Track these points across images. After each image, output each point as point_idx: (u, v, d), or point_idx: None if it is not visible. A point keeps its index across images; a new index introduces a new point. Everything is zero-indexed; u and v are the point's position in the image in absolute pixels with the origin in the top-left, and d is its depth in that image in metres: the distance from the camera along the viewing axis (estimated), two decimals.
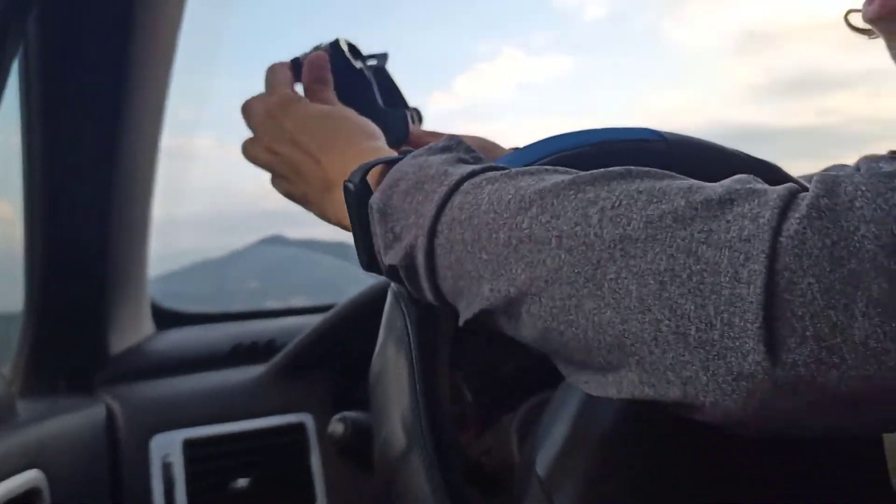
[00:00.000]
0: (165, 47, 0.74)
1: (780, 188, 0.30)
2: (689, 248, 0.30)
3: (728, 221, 0.30)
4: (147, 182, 0.85)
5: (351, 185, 0.46)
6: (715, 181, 0.60)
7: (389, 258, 0.42)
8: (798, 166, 0.59)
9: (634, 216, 0.33)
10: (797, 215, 0.28)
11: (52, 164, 0.74)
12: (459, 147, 0.46)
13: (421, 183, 0.42)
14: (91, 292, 0.87)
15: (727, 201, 0.31)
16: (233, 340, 1.00)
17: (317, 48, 0.60)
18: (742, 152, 0.60)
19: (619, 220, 0.33)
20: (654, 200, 0.33)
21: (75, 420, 0.79)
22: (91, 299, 0.88)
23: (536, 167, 0.41)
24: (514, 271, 0.36)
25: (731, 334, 0.28)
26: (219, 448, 0.84)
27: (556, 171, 0.41)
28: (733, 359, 0.28)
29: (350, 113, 0.54)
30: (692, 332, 0.29)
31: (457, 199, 0.39)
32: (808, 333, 0.27)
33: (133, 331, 0.98)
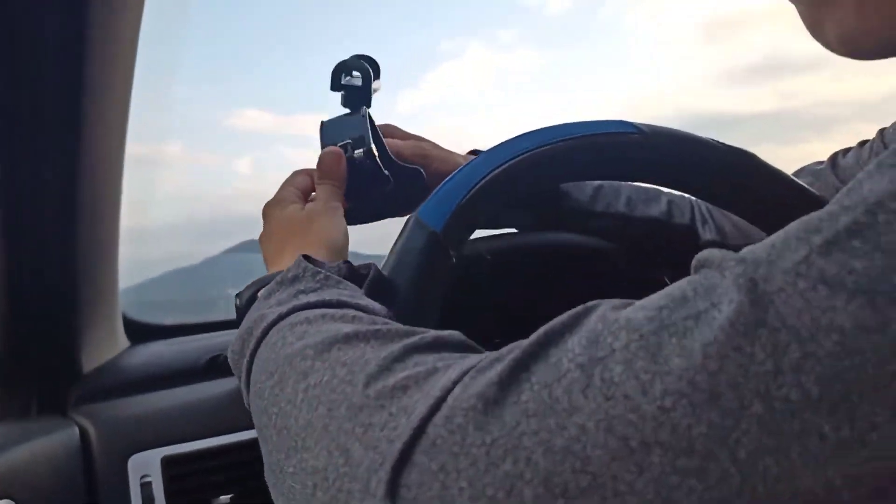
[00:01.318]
0: (125, 51, 0.71)
1: (461, 366, 0.28)
2: (345, 445, 0.28)
3: (391, 414, 0.28)
4: (113, 193, 0.82)
5: (237, 301, 0.51)
6: (691, 170, 0.60)
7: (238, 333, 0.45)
8: (763, 150, 0.59)
9: (323, 400, 0.31)
10: (444, 414, 0.26)
11: (10, 177, 0.71)
12: (306, 276, 0.45)
13: (250, 329, 0.42)
14: (60, 309, 0.84)
15: (400, 388, 0.29)
16: (209, 352, 0.98)
17: (343, 144, 0.62)
18: (717, 141, 0.60)
19: (312, 400, 0.31)
20: (345, 382, 0.31)
21: (47, 444, 0.76)
22: (60, 317, 0.85)
23: (342, 312, 0.40)
24: (263, 434, 0.35)
25: None
26: (199, 465, 0.82)
27: (341, 320, 0.38)
28: None
29: (319, 222, 0.56)
30: None
31: (261, 350, 0.39)
32: None
33: (106, 347, 0.95)
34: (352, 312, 0.39)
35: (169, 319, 1.15)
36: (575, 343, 0.27)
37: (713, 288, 0.25)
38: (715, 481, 0.23)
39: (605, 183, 0.73)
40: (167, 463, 0.80)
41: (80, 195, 0.76)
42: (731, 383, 0.23)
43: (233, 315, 1.22)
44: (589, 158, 0.58)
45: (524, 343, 0.28)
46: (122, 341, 1.01)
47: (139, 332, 1.05)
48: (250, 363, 0.40)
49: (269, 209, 0.60)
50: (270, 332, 0.40)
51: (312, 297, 0.42)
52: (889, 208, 0.23)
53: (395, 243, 0.54)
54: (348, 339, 0.34)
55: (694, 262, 0.28)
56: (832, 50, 0.37)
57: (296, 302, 0.42)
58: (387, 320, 0.40)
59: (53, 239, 0.78)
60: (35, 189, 0.73)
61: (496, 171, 0.55)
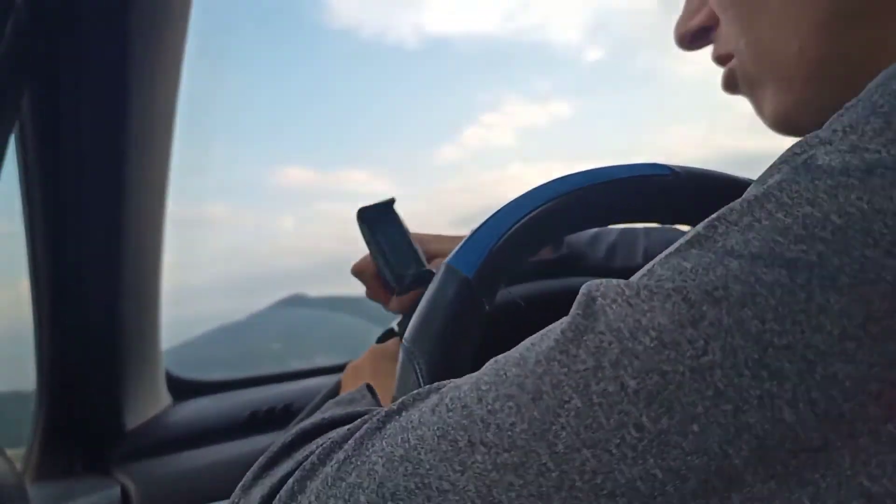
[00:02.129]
0: (165, 113, 0.73)
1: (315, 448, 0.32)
2: None
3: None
4: (155, 251, 0.84)
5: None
6: None
7: None
8: None
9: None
10: (327, 442, 0.30)
11: (56, 240, 0.73)
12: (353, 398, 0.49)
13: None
14: (103, 368, 0.86)
15: (268, 465, 0.33)
16: (251, 406, 0.98)
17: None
18: (751, 180, 0.58)
19: None
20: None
21: (89, 503, 0.77)
22: (104, 375, 0.86)
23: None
24: None
25: None
26: None
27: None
28: None
29: (388, 368, 0.59)
30: None
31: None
32: None
33: (149, 404, 0.96)
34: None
35: (215, 376, 1.16)
36: (451, 384, 0.29)
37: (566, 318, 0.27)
38: (533, 476, 0.23)
39: (618, 238, 0.73)
40: None
41: (124, 255, 0.78)
42: (553, 383, 0.24)
43: (278, 369, 1.22)
44: (622, 202, 0.57)
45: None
46: (166, 398, 1.01)
47: (183, 389, 1.05)
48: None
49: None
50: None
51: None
52: (729, 220, 0.25)
53: (427, 292, 0.54)
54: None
55: None
56: (776, 131, 0.40)
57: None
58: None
59: (97, 297, 0.80)
60: (79, 248, 0.75)
61: (529, 216, 0.55)
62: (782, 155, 0.27)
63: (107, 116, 0.68)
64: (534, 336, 0.27)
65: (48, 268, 0.76)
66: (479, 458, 0.24)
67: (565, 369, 0.24)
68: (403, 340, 0.53)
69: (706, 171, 0.59)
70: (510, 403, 0.25)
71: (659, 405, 0.22)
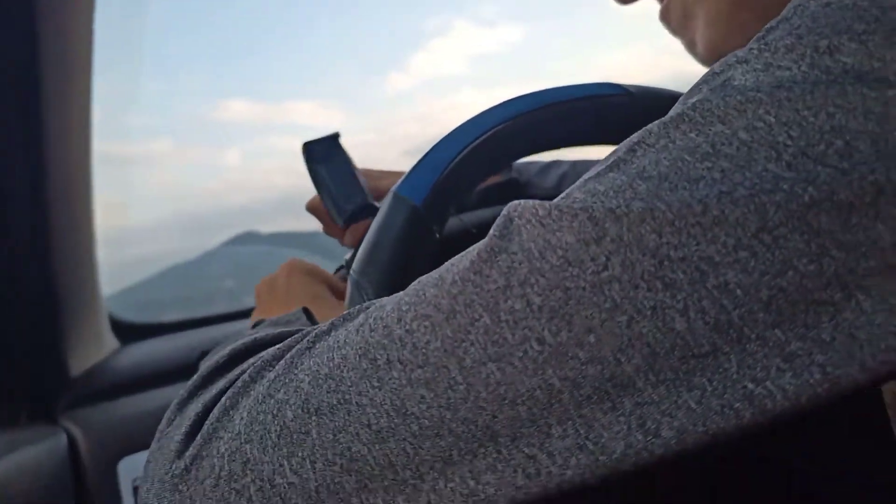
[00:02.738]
0: (80, 40, 0.68)
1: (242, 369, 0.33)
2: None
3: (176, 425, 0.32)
4: (84, 192, 0.80)
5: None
6: None
7: None
8: None
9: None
10: (258, 361, 0.31)
11: None
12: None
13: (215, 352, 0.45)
14: (40, 315, 0.82)
15: (202, 383, 0.34)
16: (202, 347, 0.96)
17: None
18: None
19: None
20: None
21: (34, 453, 0.74)
22: (41, 322, 0.83)
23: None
24: None
25: (157, 490, 0.30)
26: None
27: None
28: None
29: (303, 290, 0.59)
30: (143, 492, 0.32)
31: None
32: (222, 473, 0.28)
33: (93, 349, 0.93)
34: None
35: (165, 318, 1.12)
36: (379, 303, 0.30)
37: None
38: (443, 389, 0.25)
39: (569, 169, 0.73)
40: None
41: (50, 197, 0.73)
42: (466, 302, 0.25)
43: (233, 307, 1.19)
44: (575, 124, 0.55)
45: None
46: (111, 343, 0.98)
47: (130, 333, 1.02)
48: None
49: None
50: None
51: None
52: (647, 142, 0.25)
53: (374, 221, 0.52)
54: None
55: None
56: (706, 64, 0.41)
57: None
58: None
59: (26, 245, 0.76)
60: (2, 194, 0.70)
61: (477, 141, 0.53)
62: (703, 75, 0.27)
63: (16, 46, 0.62)
64: (455, 257, 0.28)
65: None
66: (395, 374, 0.26)
67: (478, 289, 0.25)
68: (351, 271, 0.51)
69: (660, 89, 0.58)
70: (426, 323, 0.26)
71: (560, 319, 0.24)
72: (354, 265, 0.51)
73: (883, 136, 0.21)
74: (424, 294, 0.27)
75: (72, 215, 0.78)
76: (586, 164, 0.76)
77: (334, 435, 0.26)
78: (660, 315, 0.23)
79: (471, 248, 0.27)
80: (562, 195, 0.26)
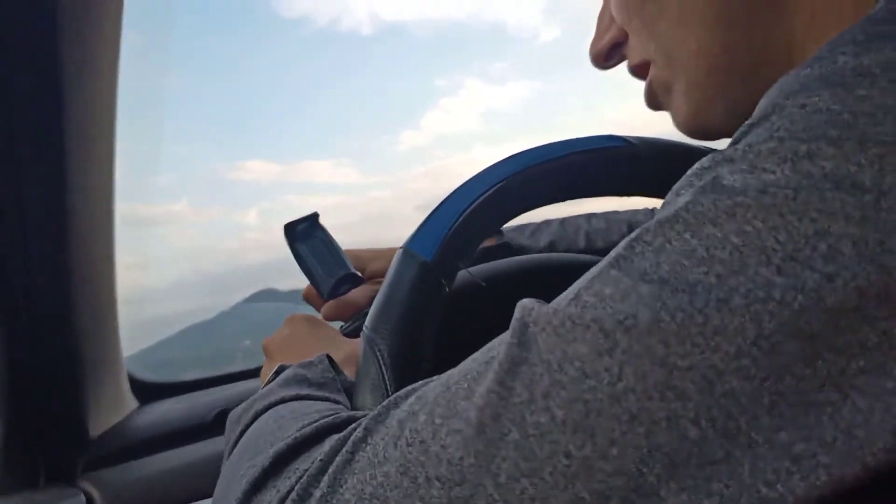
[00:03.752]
0: (103, 109, 0.71)
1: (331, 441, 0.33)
2: None
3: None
4: (106, 252, 0.82)
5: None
6: None
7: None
8: None
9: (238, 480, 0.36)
10: (304, 478, 0.32)
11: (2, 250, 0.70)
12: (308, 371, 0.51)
13: (254, 400, 0.48)
14: (61, 376, 0.83)
15: (251, 491, 0.35)
16: (217, 406, 0.96)
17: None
18: (712, 149, 0.58)
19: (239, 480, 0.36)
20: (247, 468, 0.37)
21: None
22: (62, 383, 0.84)
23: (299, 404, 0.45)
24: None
25: None
26: None
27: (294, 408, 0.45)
28: None
29: (310, 336, 0.61)
30: None
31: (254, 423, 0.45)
32: None
33: (113, 409, 0.93)
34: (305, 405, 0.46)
35: (182, 377, 1.13)
36: (408, 402, 0.31)
37: (504, 337, 0.28)
38: None
39: (558, 229, 0.76)
40: None
41: (72, 258, 0.75)
42: (493, 415, 0.26)
43: (250, 365, 1.20)
44: (579, 176, 0.56)
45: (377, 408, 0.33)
46: (130, 403, 0.99)
47: (148, 392, 1.03)
48: (237, 441, 0.45)
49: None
50: (260, 417, 0.45)
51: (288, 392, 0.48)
52: (645, 240, 0.26)
53: (386, 278, 0.53)
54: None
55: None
56: (692, 137, 0.43)
57: (281, 393, 0.48)
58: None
59: (48, 304, 0.77)
60: (24, 254, 0.72)
61: (484, 195, 0.54)
62: (690, 171, 0.28)
63: (42, 116, 0.65)
64: (478, 356, 0.29)
65: None
66: (434, 492, 0.27)
67: (503, 402, 0.26)
68: (364, 328, 0.52)
69: (662, 140, 0.59)
70: (458, 438, 0.27)
71: (583, 433, 0.24)
72: (367, 322, 0.52)
73: (863, 239, 0.22)
74: (455, 407, 0.27)
75: (94, 277, 0.80)
76: (575, 221, 0.78)
77: None
78: (674, 424, 0.23)
79: (492, 349, 0.28)
80: (571, 297, 0.27)
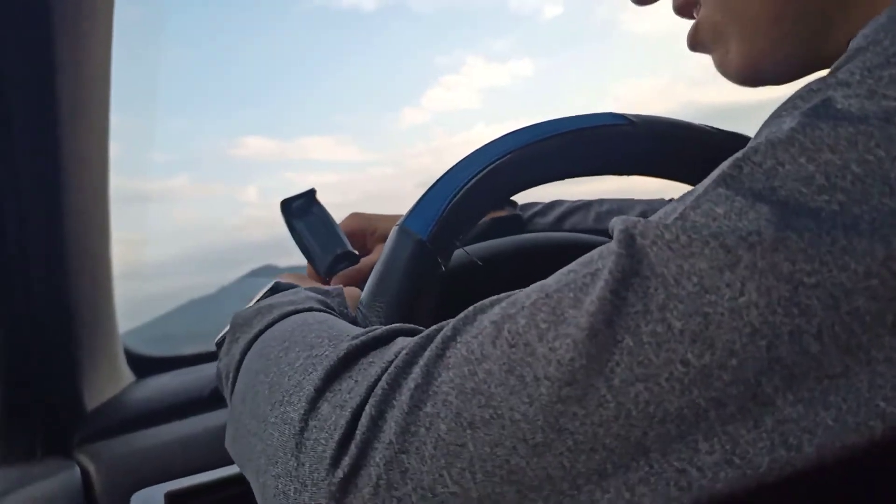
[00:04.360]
0: (97, 85, 0.70)
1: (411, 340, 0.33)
2: (317, 404, 0.33)
3: (355, 381, 0.33)
4: (102, 226, 0.81)
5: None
6: (687, 158, 0.58)
7: (221, 363, 0.49)
8: None
9: (310, 366, 0.36)
10: (389, 373, 0.31)
11: None
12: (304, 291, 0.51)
13: (271, 307, 0.47)
14: (58, 349, 0.83)
15: (366, 363, 0.34)
16: (214, 381, 0.96)
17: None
18: (711, 127, 0.57)
19: (308, 366, 0.36)
20: (329, 351, 0.36)
21: (48, 487, 0.74)
22: (59, 356, 0.84)
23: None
24: (246, 399, 0.40)
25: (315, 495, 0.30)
26: (204, 498, 0.79)
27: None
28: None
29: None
30: (290, 492, 0.32)
31: (274, 325, 0.44)
32: (381, 482, 0.29)
33: (109, 383, 0.93)
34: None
35: (180, 351, 1.13)
36: (498, 307, 0.31)
37: (609, 249, 0.28)
38: (594, 406, 0.26)
39: (568, 208, 0.76)
40: (171, 498, 0.78)
41: (67, 232, 0.74)
42: (606, 322, 0.26)
43: None
44: (578, 153, 0.56)
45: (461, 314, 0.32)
46: (127, 376, 0.99)
47: (145, 366, 1.03)
48: (257, 336, 0.45)
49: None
50: (288, 318, 0.45)
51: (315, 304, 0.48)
52: (754, 160, 0.26)
53: (381, 256, 0.52)
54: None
55: (609, 230, 0.31)
56: (740, 84, 0.42)
57: (280, 311, 0.47)
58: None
59: (43, 280, 0.77)
60: (19, 228, 0.72)
61: (481, 174, 0.53)
62: (798, 92, 0.28)
63: (34, 89, 0.64)
64: (576, 268, 0.30)
65: None
66: (543, 390, 0.27)
67: (617, 310, 0.26)
68: (359, 305, 0.52)
69: (663, 118, 0.58)
70: (568, 341, 0.27)
71: (702, 343, 0.25)
72: (362, 298, 0.52)
73: None
74: (563, 314, 0.28)
75: (89, 252, 0.79)
76: (587, 202, 0.77)
77: (491, 448, 0.27)
78: (796, 339, 0.24)
79: (592, 261, 0.29)
80: (675, 216, 0.27)
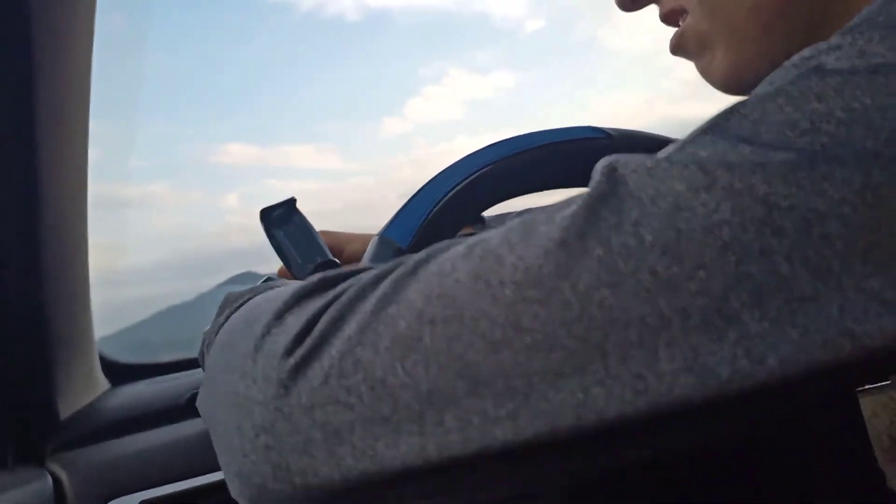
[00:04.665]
0: (76, 88, 0.70)
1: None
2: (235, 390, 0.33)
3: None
4: (78, 233, 0.80)
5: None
6: None
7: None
8: None
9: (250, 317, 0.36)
10: (359, 283, 0.32)
11: None
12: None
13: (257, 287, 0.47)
14: (31, 356, 0.82)
15: (296, 299, 0.34)
16: (192, 389, 0.95)
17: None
18: None
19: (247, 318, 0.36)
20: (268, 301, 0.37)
21: (19, 496, 0.73)
22: (32, 363, 0.83)
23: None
24: (209, 362, 0.40)
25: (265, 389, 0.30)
26: None
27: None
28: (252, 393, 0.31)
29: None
30: (242, 390, 0.32)
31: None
32: (332, 370, 0.29)
33: (84, 390, 0.92)
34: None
35: (157, 358, 1.12)
36: (473, 236, 0.31)
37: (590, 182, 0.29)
38: (557, 308, 0.26)
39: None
40: None
41: (43, 238, 0.74)
42: (578, 233, 0.27)
43: None
44: (555, 166, 0.56)
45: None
46: (102, 384, 0.98)
47: (121, 374, 1.02)
48: (241, 306, 0.44)
49: None
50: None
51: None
52: (742, 112, 0.28)
53: (360, 264, 0.52)
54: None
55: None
56: (723, 91, 0.43)
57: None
58: None
59: (17, 284, 0.76)
60: None
61: (461, 185, 0.54)
62: (791, 59, 0.29)
63: (12, 95, 0.64)
64: (555, 203, 0.30)
65: None
66: (508, 292, 0.27)
67: (589, 224, 0.27)
68: None
69: (641, 132, 0.59)
70: (538, 251, 0.27)
71: (672, 255, 0.25)
72: None
73: None
74: (535, 230, 0.28)
75: (65, 258, 0.79)
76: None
77: (448, 343, 0.27)
78: (767, 258, 0.24)
79: (573, 197, 0.29)
80: (662, 156, 0.28)
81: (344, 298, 0.31)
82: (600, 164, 0.29)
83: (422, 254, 0.32)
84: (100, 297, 0.91)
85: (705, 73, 0.44)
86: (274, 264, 0.70)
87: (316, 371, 0.29)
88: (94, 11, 0.67)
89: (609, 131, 0.57)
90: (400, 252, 0.51)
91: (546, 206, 0.30)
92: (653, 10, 0.46)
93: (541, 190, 0.58)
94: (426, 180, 0.54)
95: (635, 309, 0.25)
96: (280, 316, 0.33)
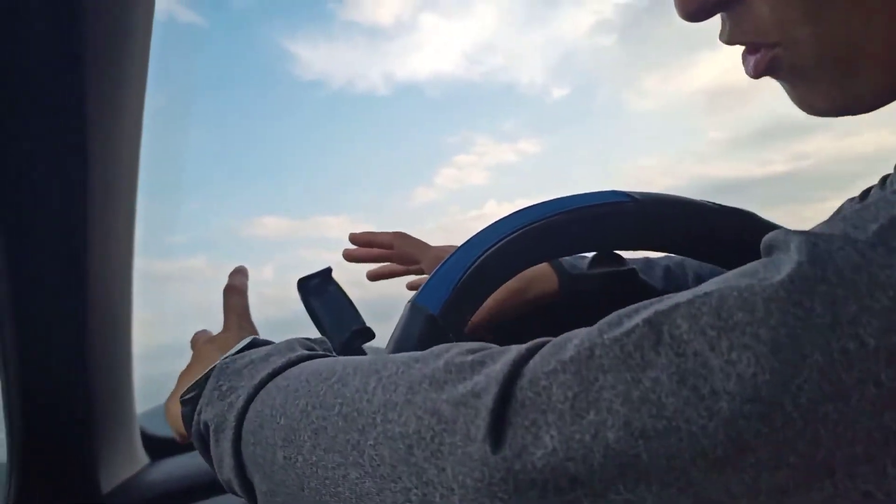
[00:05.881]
0: (126, 165, 0.73)
1: (531, 343, 0.31)
2: (435, 408, 0.31)
3: (475, 382, 0.30)
4: (124, 310, 0.83)
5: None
6: (689, 234, 0.59)
7: (206, 413, 0.46)
8: (783, 210, 0.58)
9: (401, 382, 0.34)
10: (527, 378, 0.29)
11: (19, 303, 0.72)
12: (281, 348, 0.49)
13: (269, 355, 0.46)
14: (75, 432, 0.84)
15: (478, 363, 0.32)
16: None
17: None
18: (713, 203, 0.59)
19: (389, 385, 0.34)
20: (420, 365, 0.34)
21: None
22: (76, 439, 0.84)
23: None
24: (301, 438, 0.37)
25: (468, 497, 0.28)
26: None
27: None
28: None
29: (220, 337, 0.64)
30: (437, 500, 0.29)
31: (287, 370, 0.43)
32: (548, 487, 0.27)
33: (125, 465, 0.94)
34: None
35: None
36: (642, 308, 0.29)
37: (779, 259, 0.27)
38: (779, 425, 0.24)
39: (672, 265, 0.71)
40: None
41: (90, 316, 0.76)
42: (790, 335, 0.24)
43: None
44: (583, 231, 0.58)
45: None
46: (142, 458, 0.99)
47: (160, 448, 1.03)
48: (272, 374, 0.44)
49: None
50: (304, 362, 0.44)
51: (303, 353, 0.47)
52: None
53: (394, 331, 0.54)
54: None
55: (762, 246, 0.29)
56: (821, 116, 0.38)
57: (289, 356, 0.46)
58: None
59: (65, 360, 0.78)
60: (43, 310, 0.74)
61: (490, 251, 0.55)
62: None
63: (65, 174, 0.67)
64: (729, 275, 0.28)
65: (14, 332, 0.74)
66: (724, 405, 0.25)
67: (801, 322, 0.24)
68: None
69: (665, 195, 0.60)
70: (748, 354, 0.25)
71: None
72: None
73: None
74: (734, 319, 0.26)
75: (110, 333, 0.81)
76: (681, 262, 0.73)
77: (668, 461, 0.26)
78: None
79: (759, 269, 0.27)
80: (849, 223, 0.26)
81: (518, 394, 0.29)
82: (780, 238, 0.27)
83: (591, 329, 0.29)
84: (139, 371, 0.93)
85: (799, 101, 0.38)
86: (310, 333, 0.71)
87: (528, 486, 0.28)
88: (145, 86, 0.71)
89: (634, 195, 0.58)
90: (432, 318, 0.52)
91: (725, 277, 0.28)
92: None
93: (568, 254, 0.59)
94: (456, 246, 0.56)
95: (861, 424, 0.24)
96: (440, 413, 0.31)
